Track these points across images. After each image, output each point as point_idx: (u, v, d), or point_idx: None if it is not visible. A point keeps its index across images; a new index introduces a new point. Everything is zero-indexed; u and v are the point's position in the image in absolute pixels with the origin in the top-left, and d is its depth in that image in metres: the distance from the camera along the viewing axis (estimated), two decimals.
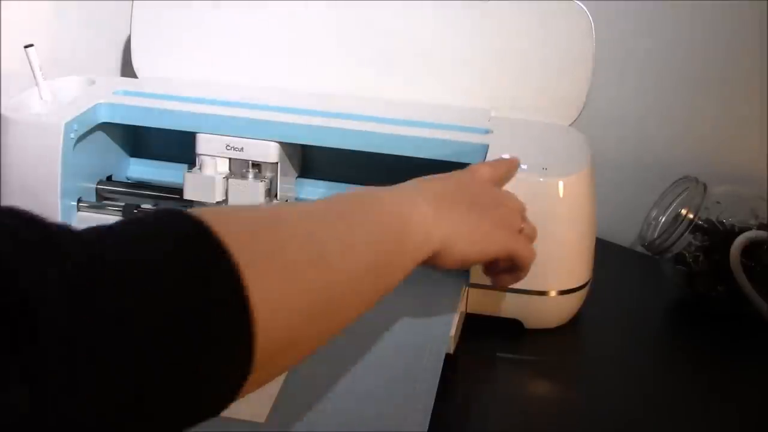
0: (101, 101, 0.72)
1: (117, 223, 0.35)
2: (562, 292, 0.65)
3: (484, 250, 0.53)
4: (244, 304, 0.34)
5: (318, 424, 0.51)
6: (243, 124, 0.70)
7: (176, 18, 0.82)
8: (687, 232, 0.70)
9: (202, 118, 0.71)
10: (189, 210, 0.36)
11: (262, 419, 0.51)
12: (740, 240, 0.67)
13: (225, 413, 0.50)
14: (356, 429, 0.50)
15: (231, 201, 0.71)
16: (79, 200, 0.72)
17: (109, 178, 0.77)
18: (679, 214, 0.71)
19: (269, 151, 0.70)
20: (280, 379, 0.53)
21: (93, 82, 0.78)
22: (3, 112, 0.70)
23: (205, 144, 0.71)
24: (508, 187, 0.60)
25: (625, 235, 0.85)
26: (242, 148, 0.70)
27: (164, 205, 0.74)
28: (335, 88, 0.79)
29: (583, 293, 0.66)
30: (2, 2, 0.85)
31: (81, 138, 0.71)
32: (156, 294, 0.32)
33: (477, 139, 0.68)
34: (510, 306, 0.65)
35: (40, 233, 0.31)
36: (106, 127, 0.74)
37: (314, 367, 0.55)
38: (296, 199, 0.76)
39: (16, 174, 0.69)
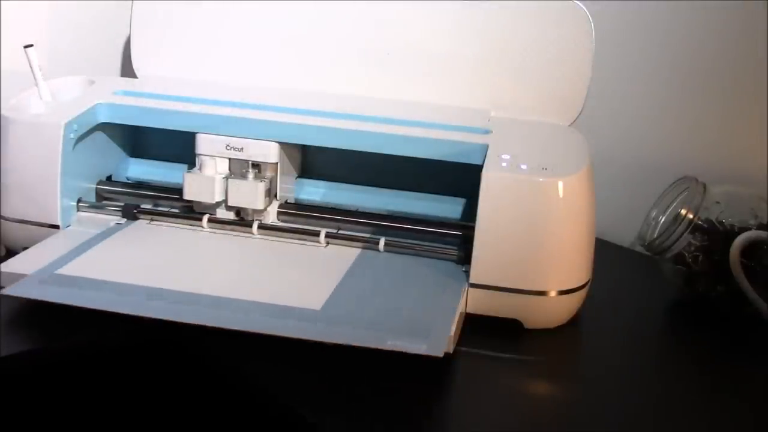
0: (101, 101, 0.73)
1: None
2: (562, 292, 0.65)
3: None
4: None
5: None
6: (243, 124, 0.70)
7: (176, 18, 0.82)
8: (687, 232, 0.70)
9: (202, 118, 0.71)
10: None
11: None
12: (740, 240, 0.67)
13: (282, 302, 0.56)
14: None
15: (231, 201, 0.71)
16: (79, 200, 0.72)
17: (108, 178, 0.77)
18: (678, 214, 0.71)
19: (269, 151, 0.70)
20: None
21: (93, 82, 0.78)
22: (3, 112, 0.70)
23: (205, 144, 0.71)
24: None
25: (625, 235, 0.86)
26: (242, 148, 0.70)
27: (164, 204, 0.74)
28: (335, 88, 0.79)
29: (582, 293, 0.66)
30: (2, 2, 0.85)
31: (81, 138, 0.71)
32: None
33: (477, 139, 0.68)
34: (510, 306, 0.65)
35: None
36: (106, 127, 0.74)
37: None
38: (296, 199, 0.76)
39: (16, 174, 0.69)
